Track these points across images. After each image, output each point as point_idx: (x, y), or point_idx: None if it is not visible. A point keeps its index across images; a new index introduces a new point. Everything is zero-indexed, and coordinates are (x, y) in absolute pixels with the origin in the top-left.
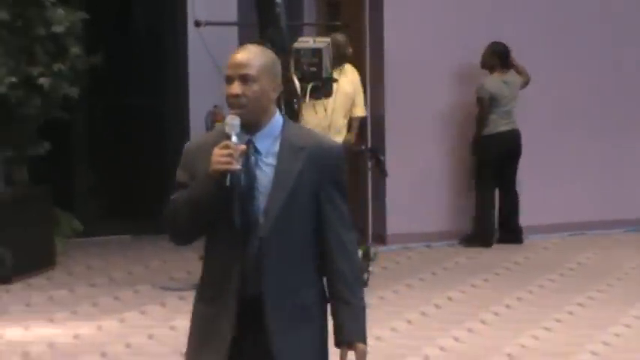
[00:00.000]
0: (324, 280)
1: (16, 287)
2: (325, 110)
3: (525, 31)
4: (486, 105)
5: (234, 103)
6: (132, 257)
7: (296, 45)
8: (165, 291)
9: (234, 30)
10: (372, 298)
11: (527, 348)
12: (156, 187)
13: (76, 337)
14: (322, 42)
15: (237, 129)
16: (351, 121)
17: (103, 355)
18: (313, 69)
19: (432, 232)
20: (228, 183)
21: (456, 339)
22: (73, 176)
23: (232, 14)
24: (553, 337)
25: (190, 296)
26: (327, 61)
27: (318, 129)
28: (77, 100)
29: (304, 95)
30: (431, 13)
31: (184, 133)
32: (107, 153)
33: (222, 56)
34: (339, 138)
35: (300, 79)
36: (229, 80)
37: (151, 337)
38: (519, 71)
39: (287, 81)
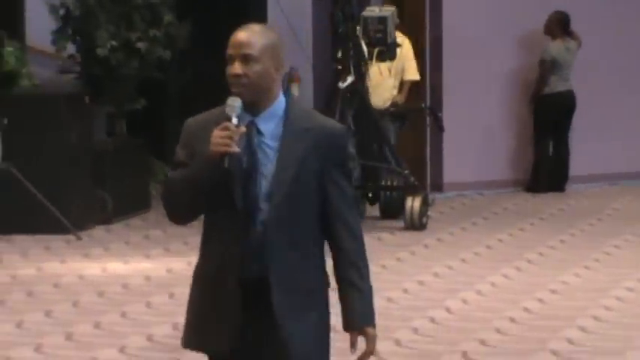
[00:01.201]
0: (329, 263)
1: (117, 227)
2: (390, 71)
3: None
4: (548, 67)
5: (235, 83)
6: None
7: (364, 13)
8: None
9: (309, 0)
10: (430, 239)
11: (569, 284)
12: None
13: (169, 270)
14: (387, 10)
15: (238, 110)
16: (402, 83)
17: None
18: (379, 35)
19: (483, 181)
20: (226, 165)
21: (505, 276)
22: (165, 129)
23: None
24: (592, 275)
25: None
26: (391, 27)
27: (383, 88)
28: (170, 61)
29: (371, 58)
30: None
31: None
32: (195, 108)
33: (297, 22)
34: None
35: (367, 44)
36: (231, 59)
37: None
38: (574, 37)
39: (356, 45)
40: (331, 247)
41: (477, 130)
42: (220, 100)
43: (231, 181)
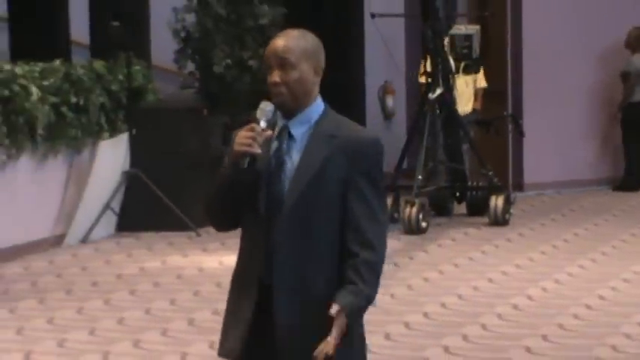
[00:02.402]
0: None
1: (211, 233)
2: (475, 82)
3: None
4: (634, 78)
5: (273, 90)
6: None
7: (452, 31)
8: None
9: (402, 20)
10: (512, 234)
11: None
12: None
13: None
14: (473, 29)
15: (269, 115)
16: (476, 92)
17: None
18: (465, 50)
19: (561, 181)
20: (245, 165)
21: (581, 267)
22: None
23: (400, 7)
24: None
25: None
26: (476, 44)
27: (466, 97)
28: None
29: (457, 71)
30: (561, 5)
31: (362, 102)
32: None
33: (392, 39)
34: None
35: (454, 59)
36: (269, 68)
37: None
38: None
39: (444, 60)
40: (344, 254)
41: (555, 136)
42: None
43: (258, 184)
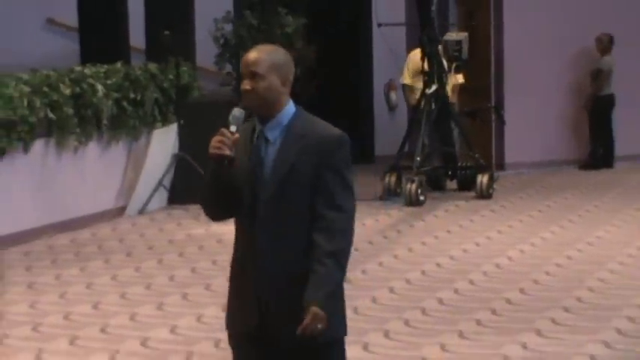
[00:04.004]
0: None
1: None
2: (463, 78)
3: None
4: (605, 75)
5: (245, 97)
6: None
7: (445, 37)
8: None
9: (404, 28)
10: (495, 205)
11: (602, 238)
12: (359, 134)
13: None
14: (462, 35)
15: (239, 120)
16: (453, 87)
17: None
18: (456, 53)
19: (536, 162)
20: (225, 166)
21: (552, 232)
22: None
23: (402, 17)
24: (618, 231)
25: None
26: (465, 48)
27: (457, 88)
28: (300, 76)
29: (449, 71)
30: (535, 16)
31: (371, 96)
32: (317, 111)
33: (395, 46)
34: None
35: (447, 60)
36: (243, 77)
37: None
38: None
39: (438, 61)
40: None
41: (531, 123)
42: (334, 105)
43: (240, 180)
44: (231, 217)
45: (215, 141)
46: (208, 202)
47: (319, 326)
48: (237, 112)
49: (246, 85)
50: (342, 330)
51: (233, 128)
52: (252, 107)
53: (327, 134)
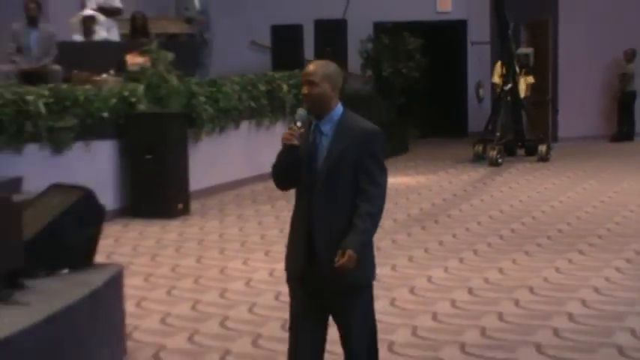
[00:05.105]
0: None
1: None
2: (532, 80)
3: None
4: (629, 78)
5: (304, 99)
6: (438, 151)
7: (517, 51)
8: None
9: (488, 45)
10: (551, 166)
11: (624, 189)
12: (457, 117)
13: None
14: (529, 50)
15: (302, 118)
16: (527, 85)
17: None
18: (525, 62)
19: (580, 136)
20: (294, 152)
21: (590, 185)
22: (412, 112)
23: (487, 36)
24: None
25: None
26: (531, 58)
27: (522, 89)
28: (417, 78)
29: (520, 74)
30: (580, 37)
31: (466, 92)
32: (432, 100)
33: (482, 56)
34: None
35: (519, 67)
36: (302, 84)
37: None
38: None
39: (513, 68)
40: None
41: (577, 110)
42: (441, 97)
43: (301, 163)
44: (292, 187)
45: (286, 133)
46: (278, 175)
47: (351, 265)
48: (301, 111)
49: (304, 90)
50: (372, 275)
51: (299, 124)
52: (309, 108)
53: (367, 128)
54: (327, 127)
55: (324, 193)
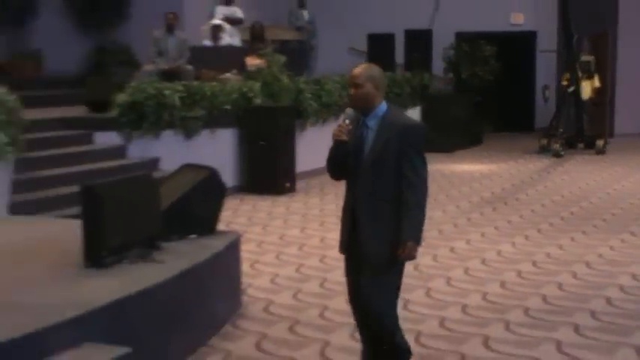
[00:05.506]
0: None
1: (457, 154)
2: (598, 84)
3: None
4: None
5: (350, 99)
6: (507, 145)
7: (580, 59)
8: None
9: (555, 53)
10: (608, 158)
11: None
12: (526, 114)
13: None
14: (590, 58)
15: (350, 116)
16: (594, 89)
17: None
18: (587, 68)
19: (633, 133)
20: (344, 145)
21: None
22: (487, 108)
23: (554, 45)
24: None
25: None
26: (592, 65)
27: (585, 91)
28: (491, 81)
29: (582, 78)
30: (634, 48)
31: (534, 93)
32: (504, 99)
33: (549, 63)
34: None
35: (581, 72)
36: (349, 86)
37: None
38: None
39: (576, 73)
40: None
41: (631, 109)
42: (512, 97)
43: (349, 154)
44: (344, 177)
45: (336, 130)
46: (331, 167)
47: (414, 254)
48: (349, 110)
49: (351, 91)
50: (393, 258)
51: (347, 122)
52: (356, 106)
53: (409, 123)
54: (372, 122)
55: (366, 180)
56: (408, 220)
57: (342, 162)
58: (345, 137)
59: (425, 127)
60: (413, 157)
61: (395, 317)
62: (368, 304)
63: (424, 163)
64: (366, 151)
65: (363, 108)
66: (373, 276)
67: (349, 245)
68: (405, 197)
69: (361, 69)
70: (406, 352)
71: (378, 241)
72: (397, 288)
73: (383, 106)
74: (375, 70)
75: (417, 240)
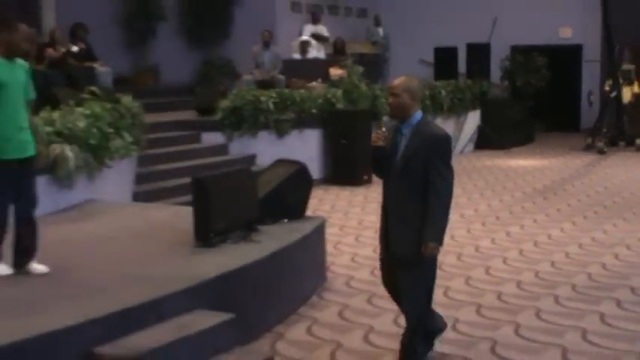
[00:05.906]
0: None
1: (512, 151)
2: (638, 90)
3: None
4: None
5: (390, 108)
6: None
7: (622, 67)
8: None
9: (599, 62)
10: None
11: None
12: (573, 116)
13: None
14: (631, 67)
15: (387, 124)
16: (633, 94)
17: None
18: (627, 76)
19: None
20: (382, 150)
21: None
22: (542, 114)
23: (598, 56)
24: None
25: None
26: (632, 74)
27: (626, 96)
28: (543, 87)
29: (623, 84)
30: None
31: (579, 99)
32: (553, 103)
33: (593, 71)
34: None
35: (622, 79)
36: (389, 95)
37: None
38: None
39: (617, 80)
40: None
41: None
42: (561, 101)
43: (386, 158)
44: (385, 177)
45: (374, 136)
46: (374, 168)
47: (435, 253)
48: (386, 118)
49: (390, 100)
50: (419, 253)
51: (384, 129)
52: (393, 114)
53: (438, 133)
54: (406, 130)
55: (399, 181)
56: (431, 222)
57: (380, 164)
58: (381, 143)
59: (450, 137)
60: (438, 163)
61: (423, 306)
62: (400, 296)
63: (450, 169)
64: (399, 156)
65: (400, 116)
66: (404, 270)
67: (384, 237)
68: (430, 201)
69: (400, 81)
70: (431, 332)
71: (404, 241)
72: (430, 280)
73: (418, 115)
74: (414, 82)
75: (439, 240)
